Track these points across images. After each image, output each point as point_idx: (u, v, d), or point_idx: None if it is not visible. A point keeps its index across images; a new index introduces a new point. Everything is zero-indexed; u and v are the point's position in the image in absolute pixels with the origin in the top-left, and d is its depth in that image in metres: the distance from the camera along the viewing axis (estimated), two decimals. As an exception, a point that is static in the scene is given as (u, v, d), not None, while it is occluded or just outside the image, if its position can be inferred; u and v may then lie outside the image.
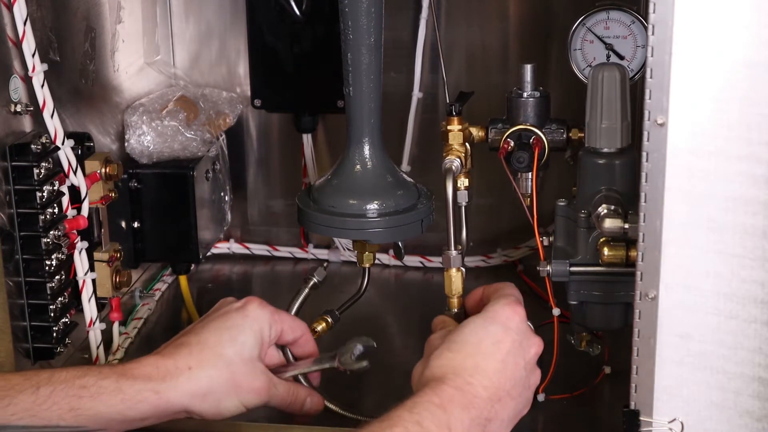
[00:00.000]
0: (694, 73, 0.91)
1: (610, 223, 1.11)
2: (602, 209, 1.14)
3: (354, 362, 1.13)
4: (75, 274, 1.26)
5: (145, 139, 1.44)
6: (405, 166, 1.59)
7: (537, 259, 1.20)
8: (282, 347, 1.16)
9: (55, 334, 1.20)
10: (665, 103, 0.92)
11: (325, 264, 1.26)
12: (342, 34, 1.20)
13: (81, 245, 1.26)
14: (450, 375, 0.96)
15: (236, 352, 1.04)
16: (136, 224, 1.46)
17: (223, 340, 1.04)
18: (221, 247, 1.69)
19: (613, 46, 1.29)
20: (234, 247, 1.70)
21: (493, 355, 0.98)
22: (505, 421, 0.98)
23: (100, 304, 1.31)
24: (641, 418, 1.00)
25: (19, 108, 1.16)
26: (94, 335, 1.29)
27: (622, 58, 1.29)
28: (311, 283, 1.24)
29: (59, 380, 0.95)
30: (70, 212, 1.24)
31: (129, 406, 0.97)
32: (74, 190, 1.25)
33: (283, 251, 1.69)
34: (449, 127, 1.23)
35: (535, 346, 1.03)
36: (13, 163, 1.15)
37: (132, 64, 1.53)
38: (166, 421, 1.24)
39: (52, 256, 1.19)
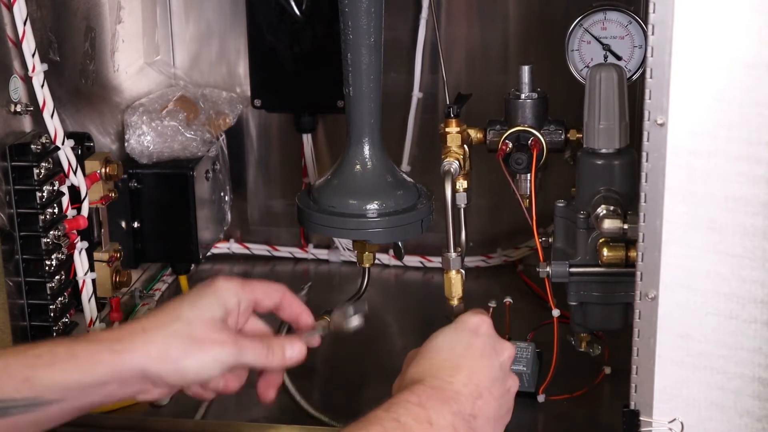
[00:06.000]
0: (694, 73, 0.91)
1: (609, 224, 1.11)
2: (601, 210, 1.14)
3: (347, 322, 1.09)
4: (75, 274, 1.26)
5: (145, 139, 1.44)
6: (405, 166, 1.59)
7: (537, 259, 1.20)
8: (282, 323, 1.13)
9: (55, 334, 1.20)
10: (665, 103, 0.92)
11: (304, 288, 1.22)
12: (342, 34, 1.20)
13: (81, 245, 1.26)
14: (428, 377, 0.96)
15: (195, 314, 0.98)
16: (136, 224, 1.46)
17: (182, 304, 1.00)
18: (221, 247, 1.69)
19: (610, 46, 1.29)
20: (234, 247, 1.70)
21: (468, 356, 0.99)
22: (491, 420, 0.98)
23: (100, 304, 1.31)
24: (641, 418, 1.00)
25: (19, 108, 1.16)
26: (94, 335, 1.29)
27: (619, 58, 1.29)
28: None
29: (13, 353, 0.93)
30: (70, 212, 1.24)
31: (84, 370, 0.93)
32: (74, 190, 1.25)
33: (283, 251, 1.69)
34: (447, 129, 1.23)
35: (507, 350, 1.03)
36: (13, 163, 1.15)
37: (132, 64, 1.53)
38: (163, 422, 1.24)
39: (52, 256, 1.19)
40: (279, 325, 1.15)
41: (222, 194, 1.60)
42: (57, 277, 1.20)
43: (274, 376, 1.05)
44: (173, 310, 0.99)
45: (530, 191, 1.23)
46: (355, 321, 1.09)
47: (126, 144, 1.45)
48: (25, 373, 0.91)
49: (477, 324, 1.02)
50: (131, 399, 0.99)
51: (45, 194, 1.17)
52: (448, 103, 1.25)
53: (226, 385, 1.02)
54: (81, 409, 0.94)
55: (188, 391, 1.02)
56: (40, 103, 1.19)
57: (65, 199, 1.23)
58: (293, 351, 1.02)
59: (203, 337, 0.97)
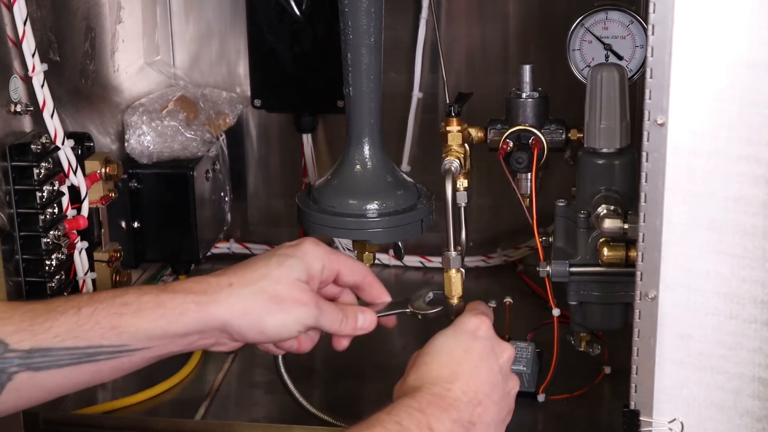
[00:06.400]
0: (694, 73, 0.91)
1: (609, 224, 1.11)
2: (602, 209, 1.14)
3: (427, 306, 1.10)
4: (75, 274, 1.26)
5: (145, 139, 1.44)
6: (405, 166, 1.59)
7: (537, 259, 1.20)
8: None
9: (55, 334, 1.20)
10: (665, 103, 0.92)
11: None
12: (342, 34, 1.20)
13: (81, 245, 1.26)
14: (427, 384, 0.96)
15: (282, 273, 0.99)
16: (136, 224, 1.46)
17: (270, 263, 1.01)
18: (221, 247, 1.69)
19: (611, 46, 1.29)
20: (234, 247, 1.70)
21: (467, 361, 0.99)
22: (490, 426, 0.98)
23: (100, 304, 1.31)
24: (641, 418, 1.00)
25: (19, 108, 1.16)
26: (94, 335, 1.29)
27: (620, 58, 1.29)
28: None
29: (100, 299, 0.94)
30: (70, 212, 1.24)
31: (170, 320, 0.94)
32: (74, 190, 1.25)
33: (283, 251, 1.68)
34: (448, 128, 1.23)
35: (507, 351, 1.03)
36: (13, 163, 1.15)
37: (132, 64, 1.53)
38: (163, 422, 1.24)
39: (52, 256, 1.19)
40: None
41: (222, 194, 1.60)
42: (57, 277, 1.20)
43: None
44: (260, 268, 1.00)
45: (531, 190, 1.23)
46: (437, 308, 1.10)
47: (126, 144, 1.45)
48: (112, 321, 0.92)
49: (476, 326, 1.02)
50: (204, 349, 1.00)
51: (45, 194, 1.17)
52: (448, 102, 1.25)
53: (299, 345, 1.04)
54: (161, 356, 0.96)
55: (260, 346, 1.04)
56: (40, 103, 1.19)
57: (65, 199, 1.23)
58: (365, 321, 1.06)
59: (287, 297, 0.98)
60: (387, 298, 1.09)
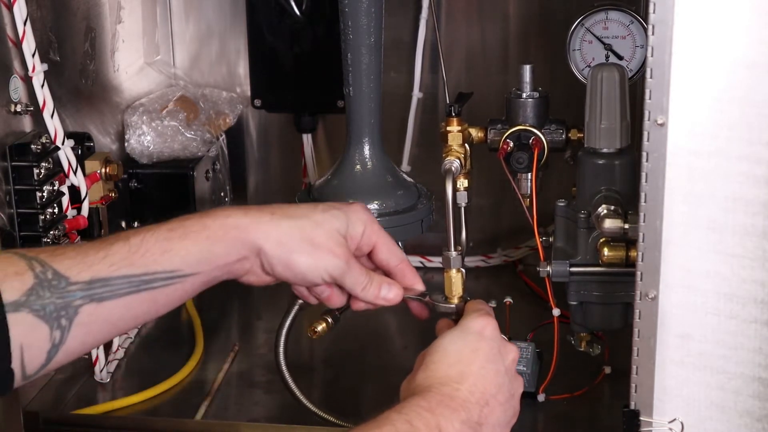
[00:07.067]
0: (694, 73, 0.91)
1: (610, 224, 1.11)
2: (602, 209, 1.14)
3: (443, 301, 1.10)
4: (75, 274, 1.26)
5: (145, 139, 1.45)
6: (405, 166, 1.59)
7: (537, 259, 1.20)
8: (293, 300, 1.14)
9: (55, 334, 1.20)
10: (665, 103, 0.92)
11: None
12: (342, 34, 1.20)
13: (81, 245, 1.26)
14: (436, 384, 0.96)
15: (324, 219, 1.01)
16: (136, 224, 1.46)
17: (316, 208, 1.02)
18: (221, 247, 1.69)
19: (611, 46, 1.29)
20: (234, 247, 1.70)
21: (474, 361, 0.99)
22: (496, 427, 0.98)
23: (100, 304, 1.31)
24: (641, 418, 1.01)
25: (19, 108, 1.16)
26: (94, 335, 1.29)
27: (621, 58, 1.29)
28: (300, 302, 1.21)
29: (146, 229, 0.96)
30: (70, 212, 1.24)
31: (214, 241, 0.96)
32: (74, 190, 1.25)
33: (283, 251, 1.68)
34: (448, 128, 1.23)
35: (512, 352, 1.03)
36: (13, 163, 1.15)
37: (132, 64, 1.53)
38: (163, 422, 1.24)
39: (52, 256, 1.19)
40: (292, 298, 1.13)
41: (222, 194, 1.60)
42: (57, 277, 1.20)
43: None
44: (304, 208, 1.02)
45: (531, 190, 1.23)
46: (451, 305, 1.10)
47: (126, 144, 1.45)
48: (162, 246, 0.94)
49: (482, 326, 1.02)
50: (240, 277, 1.00)
51: (45, 194, 1.17)
52: (448, 102, 1.25)
53: (331, 296, 1.04)
54: (209, 283, 0.98)
55: (294, 289, 1.05)
56: (40, 103, 1.19)
57: (65, 199, 1.23)
58: (389, 292, 1.05)
59: (322, 243, 1.00)
60: (420, 287, 1.08)
